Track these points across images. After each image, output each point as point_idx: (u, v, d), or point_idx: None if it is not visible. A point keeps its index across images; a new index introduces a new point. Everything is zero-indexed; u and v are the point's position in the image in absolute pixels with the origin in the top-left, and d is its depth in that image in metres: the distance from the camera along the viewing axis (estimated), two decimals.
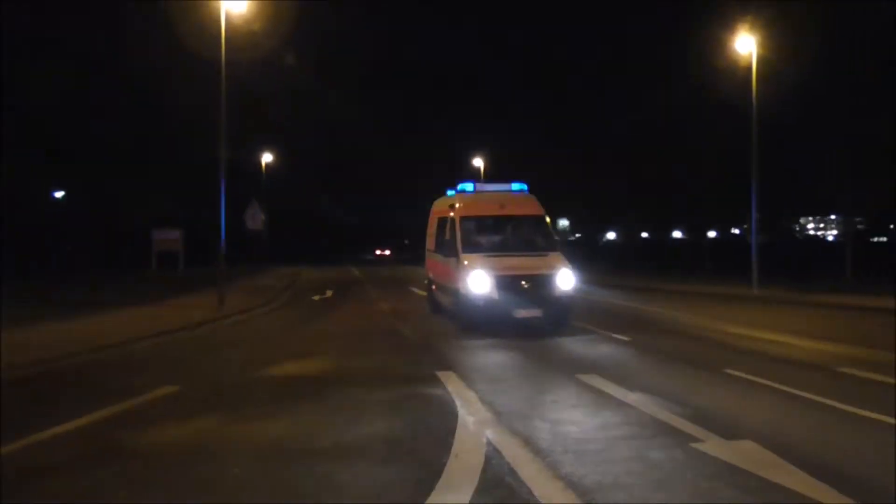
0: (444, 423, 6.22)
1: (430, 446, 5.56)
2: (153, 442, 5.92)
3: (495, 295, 12.09)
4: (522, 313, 12.12)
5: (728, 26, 22.79)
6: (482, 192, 14.76)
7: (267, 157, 46.57)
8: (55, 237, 39.54)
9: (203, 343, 12.22)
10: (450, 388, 7.79)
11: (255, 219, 26.01)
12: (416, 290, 24.75)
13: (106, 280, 27.86)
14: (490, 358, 10.09)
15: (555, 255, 13.04)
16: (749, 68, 22.14)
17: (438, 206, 16.44)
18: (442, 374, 8.46)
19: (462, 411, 6.72)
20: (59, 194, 40.69)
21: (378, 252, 60.70)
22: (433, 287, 16.24)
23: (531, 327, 12.38)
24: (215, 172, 17.66)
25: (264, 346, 11.78)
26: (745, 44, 22.01)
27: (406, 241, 60.30)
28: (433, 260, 16.22)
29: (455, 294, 13.02)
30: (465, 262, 12.62)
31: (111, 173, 38.62)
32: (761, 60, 22.06)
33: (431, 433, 6.00)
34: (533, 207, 14.26)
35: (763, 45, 22.05)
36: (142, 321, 14.00)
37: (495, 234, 14.00)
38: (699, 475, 4.89)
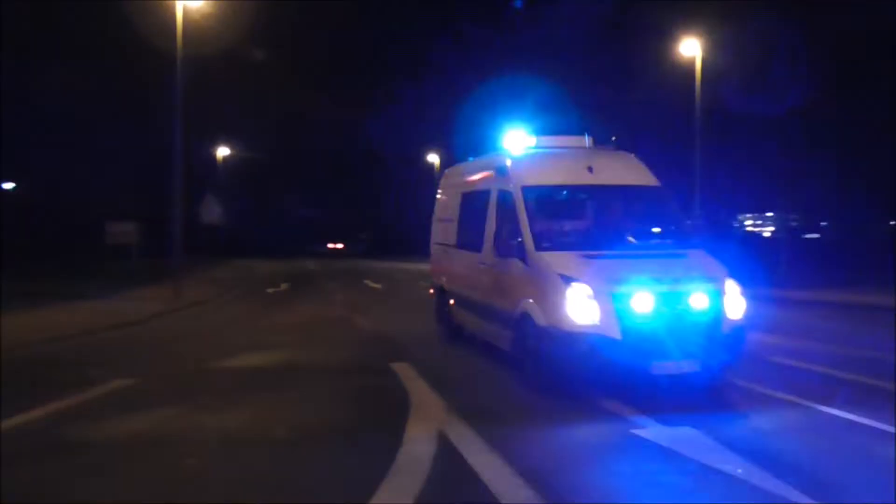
0: (398, 413, 6.37)
1: (383, 436, 5.71)
2: (108, 434, 5.94)
3: (614, 331, 6.63)
4: (667, 366, 6.73)
5: (672, 32, 23.62)
6: (550, 147, 9.04)
7: (224, 151, 46.06)
8: (5, 229, 38.46)
9: (159, 335, 12.19)
10: (403, 378, 7.97)
11: (211, 212, 25.85)
12: (369, 282, 24.89)
13: (59, 272, 27.31)
14: (443, 349, 10.25)
15: (700, 256, 7.65)
16: (692, 69, 23.02)
17: (463, 176, 10.59)
18: (396, 366, 8.61)
19: (415, 401, 6.90)
20: (7, 185, 39.61)
21: (330, 245, 60.09)
22: (451, 302, 10.38)
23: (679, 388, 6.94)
24: (171, 165, 17.56)
25: (220, 338, 11.82)
26: (690, 47, 22.96)
27: (362, 236, 60.09)
28: (452, 260, 10.45)
29: (519, 324, 7.55)
30: (552, 269, 7.12)
31: (64, 165, 37.75)
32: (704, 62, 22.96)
33: (385, 423, 6.16)
34: (639, 173, 8.69)
35: (705, 49, 22.95)
36: (97, 313, 13.88)
37: (586, 218, 8.81)
38: (641, 459, 5.18)
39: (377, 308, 16.36)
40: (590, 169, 8.39)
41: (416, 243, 51.83)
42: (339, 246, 60.70)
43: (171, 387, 7.86)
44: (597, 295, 6.71)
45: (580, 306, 6.72)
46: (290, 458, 5.29)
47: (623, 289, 6.74)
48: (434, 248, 11.59)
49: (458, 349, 10.05)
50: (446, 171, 11.92)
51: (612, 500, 4.56)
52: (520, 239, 7.71)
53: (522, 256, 7.64)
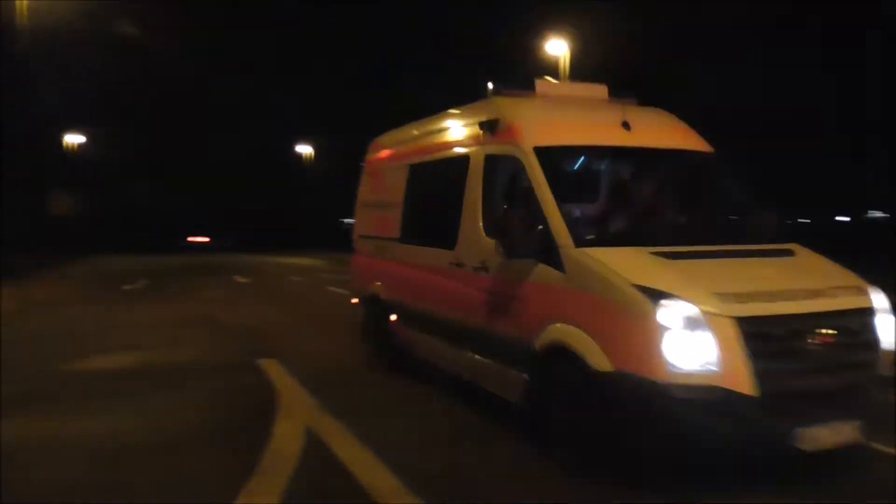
0: (265, 412, 6.27)
1: (249, 435, 5.60)
2: None
3: (744, 381, 4.09)
4: (820, 435, 4.21)
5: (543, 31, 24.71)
6: (561, 95, 6.72)
7: (78, 139, 43.07)
8: None
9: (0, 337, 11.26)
10: (271, 376, 7.84)
11: (61, 203, 24.14)
12: (238, 277, 24.16)
13: None
14: (314, 344, 10.14)
15: (809, 254, 5.38)
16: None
17: (412, 142, 7.83)
18: (263, 363, 8.45)
19: (283, 399, 6.81)
20: None
21: (192, 239, 56.78)
22: (393, 318, 7.67)
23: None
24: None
25: (72, 340, 11.06)
26: (557, 46, 24.13)
27: (231, 229, 57.66)
28: (396, 260, 7.65)
29: (544, 363, 4.98)
30: (619, 277, 4.50)
31: None
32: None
33: (251, 422, 6.03)
34: (685, 134, 6.34)
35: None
36: None
37: (629, 196, 6.06)
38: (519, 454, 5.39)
39: (244, 304, 15.93)
40: (626, 125, 5.86)
41: (290, 236, 50.80)
42: (205, 239, 57.75)
43: (16, 394, 7.25)
44: (709, 320, 4.15)
45: (684, 340, 4.11)
46: (150, 464, 5.10)
47: (748, 308, 4.24)
48: (361, 244, 8.92)
49: (328, 344, 9.99)
50: (377, 139, 8.90)
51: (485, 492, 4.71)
52: (541, 228, 5.06)
53: (550, 256, 4.94)
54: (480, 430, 5.85)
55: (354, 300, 8.93)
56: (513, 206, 5.43)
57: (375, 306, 8.15)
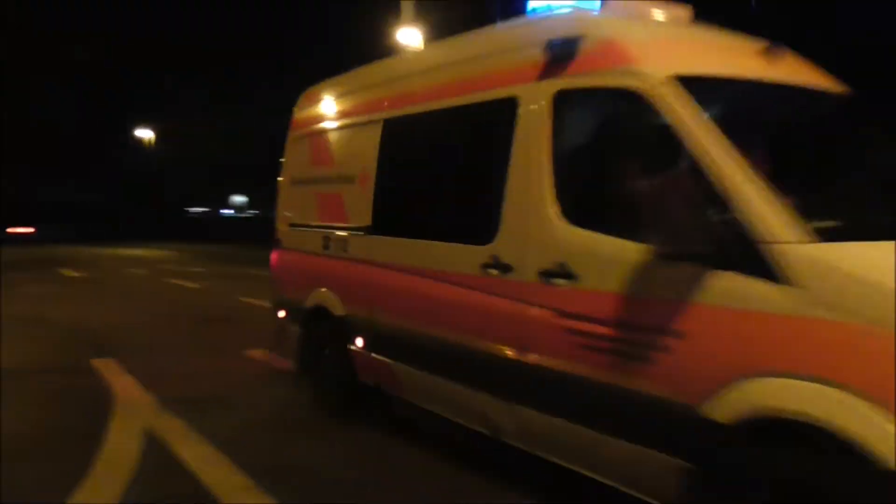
0: (100, 413, 5.93)
1: (81, 440, 5.28)
2: None
3: None
4: None
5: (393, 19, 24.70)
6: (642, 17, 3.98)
7: None
8: None
9: None
10: (107, 376, 7.40)
11: None
12: (68, 271, 22.52)
13: None
14: (154, 340, 9.67)
15: None
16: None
17: (383, 87, 5.50)
18: (98, 362, 7.96)
19: (119, 399, 6.46)
20: None
21: (12, 230, 51.47)
22: (360, 345, 5.43)
23: None
24: None
25: None
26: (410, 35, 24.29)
27: (64, 218, 53.09)
28: (363, 261, 5.34)
29: (756, 459, 2.73)
30: None
31: None
32: None
33: (83, 426, 5.69)
34: (811, 70, 4.17)
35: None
36: None
37: (784, 150, 3.58)
38: (373, 446, 5.45)
39: (76, 299, 14.83)
40: (771, 51, 3.89)
41: (128, 226, 47.71)
42: (28, 230, 52.63)
43: None
44: None
45: None
46: None
47: None
48: (291, 237, 6.69)
49: (168, 340, 9.57)
50: (315, 89, 6.64)
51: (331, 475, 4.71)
52: (727, 214, 2.95)
53: (745, 257, 2.87)
54: (331, 422, 5.83)
55: (281, 313, 6.74)
56: (690, 164, 3.09)
57: (323, 324, 5.94)
